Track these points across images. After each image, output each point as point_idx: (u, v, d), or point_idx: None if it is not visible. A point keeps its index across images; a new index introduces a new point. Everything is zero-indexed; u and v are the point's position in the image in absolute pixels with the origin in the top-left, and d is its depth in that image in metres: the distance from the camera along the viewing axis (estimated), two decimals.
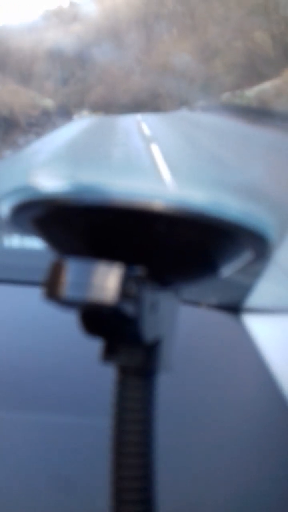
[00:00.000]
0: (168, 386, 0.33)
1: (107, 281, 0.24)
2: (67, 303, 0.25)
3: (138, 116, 18.62)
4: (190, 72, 25.77)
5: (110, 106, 29.68)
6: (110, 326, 0.26)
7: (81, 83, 34.71)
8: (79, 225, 0.26)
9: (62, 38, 36.02)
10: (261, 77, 18.36)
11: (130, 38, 31.57)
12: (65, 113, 21.51)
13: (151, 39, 31.01)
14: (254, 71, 19.92)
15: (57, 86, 37.68)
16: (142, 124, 14.92)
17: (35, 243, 0.24)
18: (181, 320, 0.30)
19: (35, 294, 0.33)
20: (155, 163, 7.07)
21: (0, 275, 0.84)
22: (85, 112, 32.17)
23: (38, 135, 13.11)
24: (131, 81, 29.50)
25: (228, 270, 0.29)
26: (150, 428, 0.28)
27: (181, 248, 0.27)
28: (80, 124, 17.81)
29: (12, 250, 1.01)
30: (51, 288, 0.25)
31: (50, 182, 0.25)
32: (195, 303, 0.78)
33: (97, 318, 0.26)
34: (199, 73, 24.96)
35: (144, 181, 0.24)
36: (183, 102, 25.50)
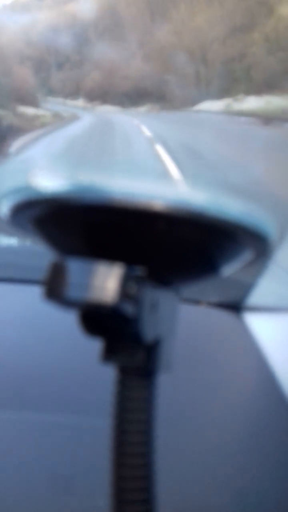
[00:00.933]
0: (168, 386, 0.34)
1: (107, 281, 0.25)
2: (67, 303, 0.26)
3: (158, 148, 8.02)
4: (208, 55, 22.70)
5: (107, 95, 28.10)
6: (110, 326, 0.27)
7: (77, 69, 33.39)
8: (79, 225, 0.27)
9: (57, 19, 34.78)
10: None
11: (131, 17, 29.94)
12: None
13: (155, 18, 29.21)
14: None
15: (52, 71, 36.50)
16: None
17: (35, 242, 0.30)
18: (182, 319, 0.31)
19: (35, 293, 0.35)
20: None
21: (0, 274, 0.87)
22: (80, 103, 30.72)
23: None
24: (131, 66, 27.68)
25: (228, 270, 0.30)
26: (150, 428, 0.29)
27: (182, 248, 0.27)
28: None
29: (12, 249, 1.01)
30: (51, 288, 0.25)
31: (50, 182, 0.25)
32: (196, 302, 0.80)
33: (97, 318, 0.27)
34: (219, 55, 21.12)
35: (144, 181, 0.25)
36: (201, 95, 20.09)
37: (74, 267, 0.25)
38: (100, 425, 0.35)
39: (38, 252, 0.58)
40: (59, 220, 0.27)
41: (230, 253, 0.28)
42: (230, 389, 0.64)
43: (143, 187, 0.25)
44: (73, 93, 34.49)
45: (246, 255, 0.29)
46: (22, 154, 8.70)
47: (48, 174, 0.26)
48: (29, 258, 0.91)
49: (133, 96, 27.27)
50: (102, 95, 28.62)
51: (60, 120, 17.57)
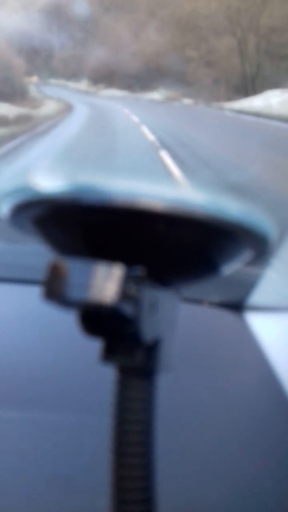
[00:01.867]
0: (169, 384, 0.36)
1: (106, 281, 0.25)
2: (66, 304, 0.26)
3: None
4: (259, 19, 17.22)
5: (114, 76, 24.28)
6: (110, 326, 0.28)
7: (81, 46, 29.64)
8: (79, 225, 0.28)
9: None
10: None
11: None
12: None
13: None
14: None
15: (54, 50, 32.84)
16: None
17: (35, 242, 0.31)
18: (183, 318, 0.33)
19: (35, 293, 0.36)
20: None
21: (0, 274, 0.89)
22: (83, 85, 26.80)
23: None
24: (142, 41, 23.76)
25: (228, 270, 0.31)
26: (150, 428, 0.30)
27: (181, 248, 0.28)
28: None
29: (12, 249, 1.04)
30: (51, 288, 0.26)
31: (50, 182, 0.26)
32: (198, 301, 0.82)
33: (96, 319, 0.28)
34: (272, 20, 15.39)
35: (144, 181, 0.25)
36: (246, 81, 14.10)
37: (74, 267, 0.26)
38: (100, 425, 0.36)
39: (38, 252, 0.57)
40: (58, 220, 0.28)
41: (229, 253, 0.29)
42: (232, 389, 0.66)
43: (143, 188, 0.25)
44: (76, 74, 30.64)
45: (246, 255, 0.29)
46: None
47: (47, 175, 0.26)
48: (29, 258, 0.93)
49: (144, 78, 23.29)
50: (107, 76, 24.92)
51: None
